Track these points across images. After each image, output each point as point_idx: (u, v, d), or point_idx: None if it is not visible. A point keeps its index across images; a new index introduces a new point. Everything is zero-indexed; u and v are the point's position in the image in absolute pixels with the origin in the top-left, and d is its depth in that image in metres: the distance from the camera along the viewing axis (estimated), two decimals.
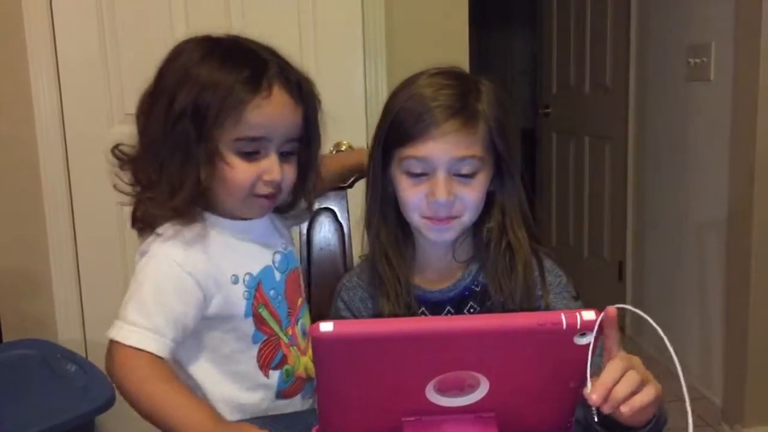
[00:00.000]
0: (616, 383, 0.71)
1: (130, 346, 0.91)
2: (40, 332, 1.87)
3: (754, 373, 2.22)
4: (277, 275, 1.06)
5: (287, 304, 1.07)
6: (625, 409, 0.71)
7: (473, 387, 0.72)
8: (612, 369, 0.72)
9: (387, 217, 1.02)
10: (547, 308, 1.00)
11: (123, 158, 1.00)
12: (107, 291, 1.98)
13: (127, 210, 1.02)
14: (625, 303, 3.20)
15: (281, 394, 1.06)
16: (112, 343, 0.92)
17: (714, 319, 2.49)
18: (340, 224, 1.34)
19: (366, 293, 1.06)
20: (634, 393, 0.72)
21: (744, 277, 2.21)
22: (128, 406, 0.90)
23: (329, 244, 1.32)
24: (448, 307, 1.04)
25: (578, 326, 0.67)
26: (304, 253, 1.35)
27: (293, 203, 1.10)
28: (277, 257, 1.07)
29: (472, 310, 1.03)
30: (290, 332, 1.07)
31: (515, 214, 1.00)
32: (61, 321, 1.99)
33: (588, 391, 0.71)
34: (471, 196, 0.96)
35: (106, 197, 1.98)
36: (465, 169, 0.95)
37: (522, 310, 0.99)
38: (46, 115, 1.91)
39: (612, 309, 0.74)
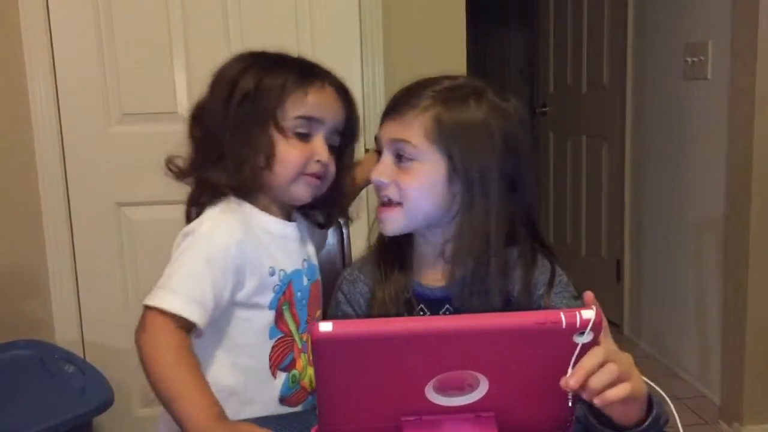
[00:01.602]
0: (594, 373, 0.70)
1: (169, 312, 0.91)
2: (37, 333, 1.87)
3: (752, 371, 2.23)
4: (305, 280, 1.10)
5: (308, 311, 1.10)
6: (597, 401, 0.71)
7: (473, 386, 0.72)
8: (591, 357, 0.70)
9: None
10: (547, 307, 1.00)
11: (177, 171, 1.04)
12: (105, 291, 1.98)
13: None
14: (622, 301, 3.20)
15: (284, 400, 1.07)
16: (149, 311, 0.93)
17: (712, 317, 2.49)
18: (339, 224, 1.33)
19: (366, 287, 1.07)
20: (610, 386, 0.71)
21: (741, 275, 2.21)
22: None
23: (328, 244, 1.32)
24: (447, 305, 1.04)
25: (578, 325, 0.67)
26: None
27: (330, 217, 1.17)
28: (306, 264, 1.11)
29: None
30: (305, 338, 1.09)
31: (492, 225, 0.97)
32: (58, 322, 1.98)
33: (567, 376, 0.70)
34: (407, 183, 0.97)
35: (104, 197, 1.99)
36: (402, 152, 0.97)
37: (517, 308, 0.99)
38: (43, 115, 1.91)
39: (589, 293, 0.76)
